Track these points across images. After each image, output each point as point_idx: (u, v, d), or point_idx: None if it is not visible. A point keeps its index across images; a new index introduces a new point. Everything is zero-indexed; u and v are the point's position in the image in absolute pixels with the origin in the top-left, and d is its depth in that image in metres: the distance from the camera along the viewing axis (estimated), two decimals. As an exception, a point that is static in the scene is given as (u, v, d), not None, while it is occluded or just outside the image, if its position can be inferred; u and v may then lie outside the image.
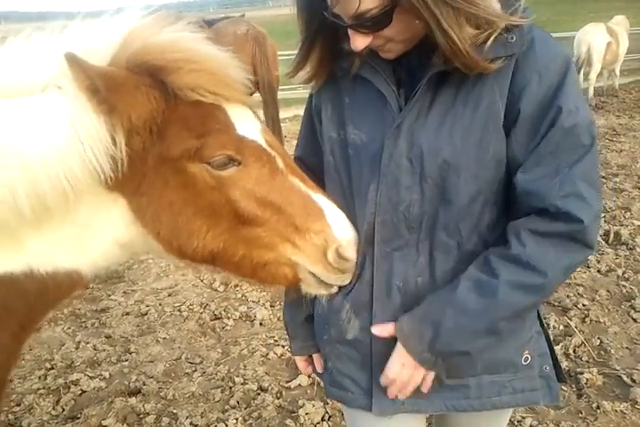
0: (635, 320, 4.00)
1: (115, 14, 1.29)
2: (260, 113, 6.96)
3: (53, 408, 3.37)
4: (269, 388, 3.46)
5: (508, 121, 1.33)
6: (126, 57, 1.23)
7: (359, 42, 1.32)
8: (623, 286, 4.47)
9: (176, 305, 4.56)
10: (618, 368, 3.47)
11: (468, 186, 1.37)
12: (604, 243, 5.22)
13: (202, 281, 4.95)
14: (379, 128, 1.42)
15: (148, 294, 4.79)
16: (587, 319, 4.01)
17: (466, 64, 1.27)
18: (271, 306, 4.47)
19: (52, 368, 3.78)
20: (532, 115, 1.31)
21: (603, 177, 7.04)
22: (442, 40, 1.24)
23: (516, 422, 3.05)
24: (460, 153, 1.34)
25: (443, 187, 1.37)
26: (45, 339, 4.13)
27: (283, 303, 1.85)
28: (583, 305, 4.19)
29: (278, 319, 4.19)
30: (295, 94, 11.72)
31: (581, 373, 3.41)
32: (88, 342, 4.07)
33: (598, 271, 4.73)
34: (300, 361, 1.80)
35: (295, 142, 1.80)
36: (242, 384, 3.51)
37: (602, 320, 3.99)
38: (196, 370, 3.71)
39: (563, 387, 3.26)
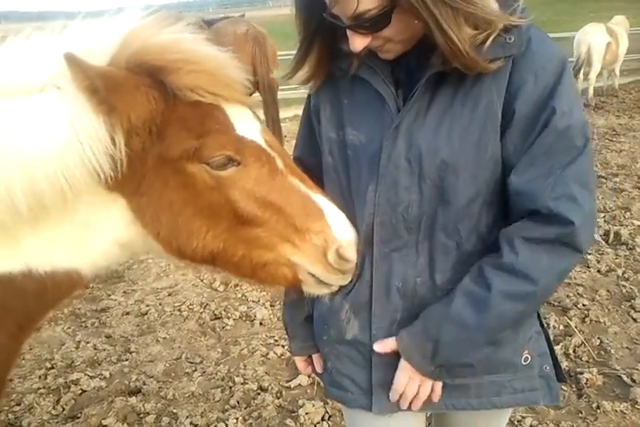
0: (635, 320, 4.00)
1: (115, 14, 1.29)
2: (260, 113, 6.97)
3: (53, 408, 3.37)
4: (269, 388, 3.46)
5: (505, 121, 1.33)
6: (126, 57, 1.23)
7: (358, 42, 1.31)
8: (623, 285, 4.47)
9: (176, 305, 4.55)
10: (618, 368, 3.47)
11: (467, 186, 1.37)
12: (603, 243, 5.21)
13: (202, 281, 4.95)
14: (377, 129, 1.42)
15: (148, 294, 4.79)
16: (587, 319, 4.01)
17: (465, 64, 1.27)
18: (271, 306, 4.47)
19: (53, 368, 3.78)
20: (527, 115, 1.31)
21: (603, 177, 7.04)
22: (441, 40, 1.24)
23: (515, 422, 3.05)
24: (458, 153, 1.34)
25: (441, 187, 1.37)
26: (45, 338, 4.13)
27: (282, 303, 1.85)
28: (583, 305, 4.18)
29: (278, 319, 4.19)
30: (295, 94, 11.70)
31: (581, 373, 3.40)
32: (88, 342, 4.07)
33: (598, 271, 4.73)
34: (300, 361, 1.80)
35: (295, 142, 1.80)
36: (242, 384, 3.51)
37: (602, 320, 3.99)
38: (196, 370, 3.71)
39: (563, 387, 3.26)
